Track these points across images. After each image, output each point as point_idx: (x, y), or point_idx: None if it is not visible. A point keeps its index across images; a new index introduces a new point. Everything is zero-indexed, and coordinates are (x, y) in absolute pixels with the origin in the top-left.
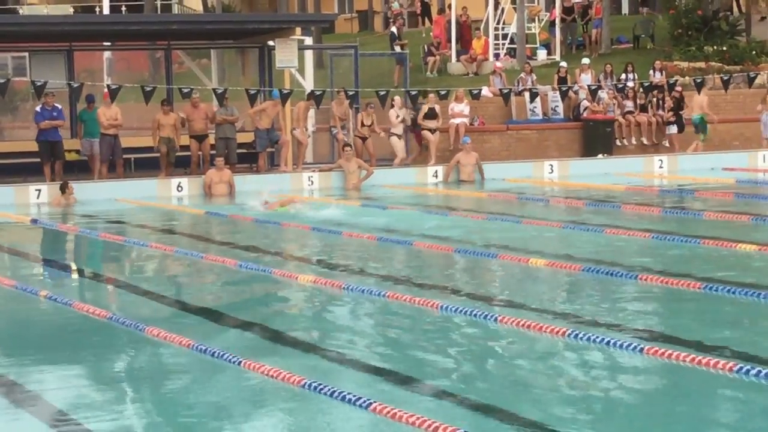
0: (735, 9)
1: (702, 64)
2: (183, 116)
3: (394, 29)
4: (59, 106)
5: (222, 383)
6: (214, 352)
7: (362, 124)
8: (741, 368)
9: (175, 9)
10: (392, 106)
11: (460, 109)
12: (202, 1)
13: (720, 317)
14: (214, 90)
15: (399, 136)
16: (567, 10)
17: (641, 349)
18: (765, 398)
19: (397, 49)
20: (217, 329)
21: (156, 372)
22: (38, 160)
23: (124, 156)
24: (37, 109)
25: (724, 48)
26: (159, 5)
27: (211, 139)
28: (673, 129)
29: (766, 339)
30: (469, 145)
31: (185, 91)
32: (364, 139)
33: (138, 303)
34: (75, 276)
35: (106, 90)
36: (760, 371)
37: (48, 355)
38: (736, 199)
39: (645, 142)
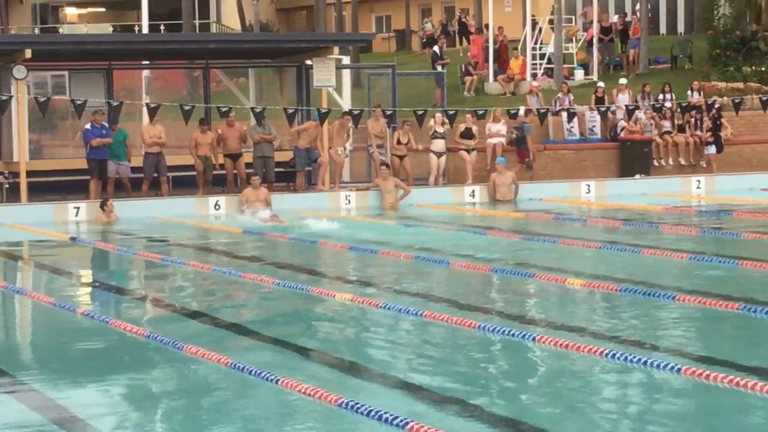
0: None
1: (740, 85)
2: (219, 133)
3: (436, 48)
4: (106, 125)
5: (259, 401)
6: (252, 369)
7: (399, 142)
8: None
9: (213, 28)
10: (433, 122)
11: (497, 129)
12: (240, 20)
13: (758, 338)
14: (252, 109)
15: (438, 154)
16: (605, 30)
17: (679, 369)
18: None
19: (439, 68)
20: (254, 347)
21: (193, 389)
22: (77, 177)
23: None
24: (87, 126)
25: (763, 68)
26: (197, 24)
27: (248, 158)
28: (712, 149)
29: None
30: (502, 165)
31: (223, 110)
32: (401, 157)
33: (175, 321)
34: (112, 293)
35: (144, 108)
36: None
37: (85, 373)
38: None
39: (682, 162)
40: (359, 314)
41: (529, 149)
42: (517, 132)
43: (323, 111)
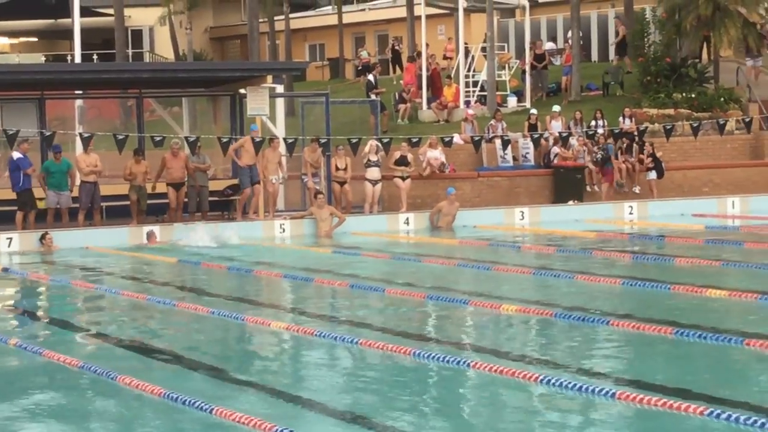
0: (704, 56)
1: (671, 111)
2: (164, 161)
3: (371, 77)
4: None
5: (193, 430)
6: (185, 399)
7: (336, 168)
8: (712, 412)
9: (147, 57)
10: (368, 151)
11: (434, 156)
12: (173, 49)
13: (691, 361)
14: (185, 138)
15: (372, 182)
16: (538, 58)
17: (613, 394)
18: None
19: (373, 96)
20: (188, 376)
21: (126, 420)
22: (4, 208)
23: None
24: (19, 155)
25: (693, 95)
26: (130, 54)
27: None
28: (653, 175)
29: (736, 383)
30: (453, 195)
31: (157, 139)
32: (341, 183)
33: (109, 351)
34: (45, 324)
35: (78, 138)
36: (730, 415)
37: (17, 404)
38: (705, 244)
39: (616, 188)
40: (294, 342)
41: (614, 168)
42: (602, 152)
43: (257, 140)
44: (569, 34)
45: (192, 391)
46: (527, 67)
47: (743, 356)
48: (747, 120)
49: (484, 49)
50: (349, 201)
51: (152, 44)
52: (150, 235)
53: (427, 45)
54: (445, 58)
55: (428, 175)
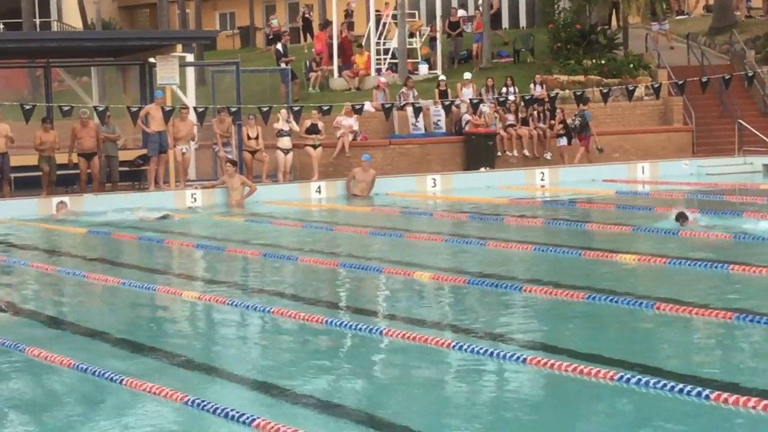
0: (613, 23)
1: (581, 78)
2: (73, 132)
3: (279, 46)
4: None
5: (104, 402)
6: (96, 370)
7: (248, 137)
8: (621, 377)
9: (55, 26)
10: (278, 120)
11: (349, 124)
12: (81, 18)
13: (602, 327)
14: (95, 108)
15: (284, 151)
16: (452, 25)
17: (524, 360)
18: (644, 405)
19: (283, 65)
20: (99, 348)
21: (37, 393)
22: None
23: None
24: None
25: (603, 61)
26: (38, 23)
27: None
28: (563, 141)
29: (646, 347)
30: (367, 162)
31: (65, 109)
32: (253, 152)
33: (18, 323)
34: None
35: None
36: (640, 379)
37: None
38: (616, 210)
39: (527, 154)
40: (206, 312)
41: (592, 134)
42: (579, 119)
43: (167, 109)
44: (480, 1)
45: (103, 362)
46: (437, 35)
47: (653, 320)
48: (656, 86)
49: (395, 17)
50: (266, 170)
51: (60, 13)
52: (59, 206)
53: (353, 12)
54: (346, 16)
55: (341, 148)
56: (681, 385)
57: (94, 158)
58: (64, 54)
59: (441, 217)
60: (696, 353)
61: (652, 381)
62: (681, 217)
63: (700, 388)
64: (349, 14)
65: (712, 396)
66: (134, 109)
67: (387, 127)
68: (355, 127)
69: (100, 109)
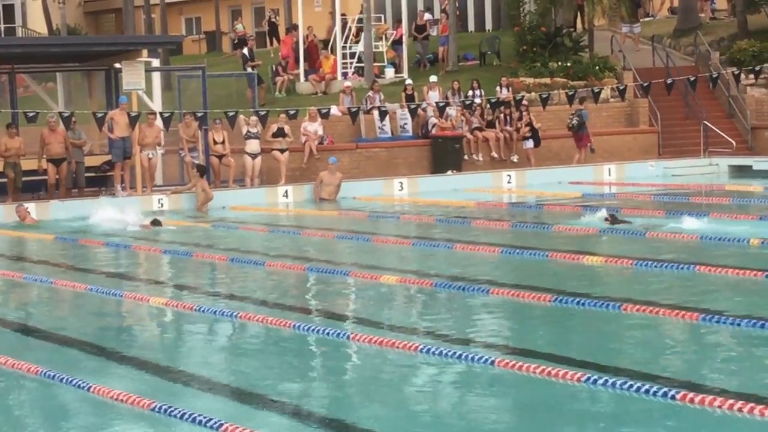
0: (579, 25)
1: (547, 80)
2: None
3: (245, 51)
4: None
5: (71, 408)
6: (63, 377)
7: (215, 142)
8: (589, 378)
9: (20, 32)
10: (246, 124)
11: (313, 129)
12: (46, 23)
13: (569, 328)
14: (60, 114)
15: (252, 155)
16: (419, 28)
17: (492, 362)
18: (612, 407)
19: (249, 69)
20: (66, 354)
21: (3, 399)
22: None
23: None
24: None
25: (568, 64)
26: (2, 28)
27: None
28: (530, 144)
29: (614, 348)
30: (334, 165)
31: (30, 115)
32: (220, 157)
33: None
34: None
35: None
36: (606, 380)
37: None
38: (582, 212)
39: (494, 156)
40: (174, 318)
41: (588, 134)
42: (577, 118)
43: (133, 114)
44: (446, 3)
45: (70, 369)
46: (404, 38)
47: (620, 321)
48: (621, 88)
49: (360, 21)
50: (231, 174)
51: (24, 19)
52: (22, 212)
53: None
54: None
55: (310, 153)
56: (648, 386)
57: (62, 164)
58: (29, 60)
59: (408, 220)
60: (662, 354)
61: (619, 382)
62: (611, 218)
63: (666, 389)
64: None
65: (678, 396)
66: (99, 115)
67: (354, 131)
68: (320, 132)
69: (66, 114)
